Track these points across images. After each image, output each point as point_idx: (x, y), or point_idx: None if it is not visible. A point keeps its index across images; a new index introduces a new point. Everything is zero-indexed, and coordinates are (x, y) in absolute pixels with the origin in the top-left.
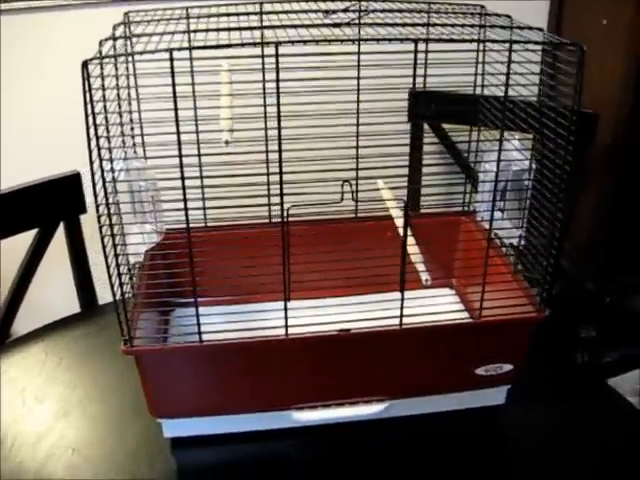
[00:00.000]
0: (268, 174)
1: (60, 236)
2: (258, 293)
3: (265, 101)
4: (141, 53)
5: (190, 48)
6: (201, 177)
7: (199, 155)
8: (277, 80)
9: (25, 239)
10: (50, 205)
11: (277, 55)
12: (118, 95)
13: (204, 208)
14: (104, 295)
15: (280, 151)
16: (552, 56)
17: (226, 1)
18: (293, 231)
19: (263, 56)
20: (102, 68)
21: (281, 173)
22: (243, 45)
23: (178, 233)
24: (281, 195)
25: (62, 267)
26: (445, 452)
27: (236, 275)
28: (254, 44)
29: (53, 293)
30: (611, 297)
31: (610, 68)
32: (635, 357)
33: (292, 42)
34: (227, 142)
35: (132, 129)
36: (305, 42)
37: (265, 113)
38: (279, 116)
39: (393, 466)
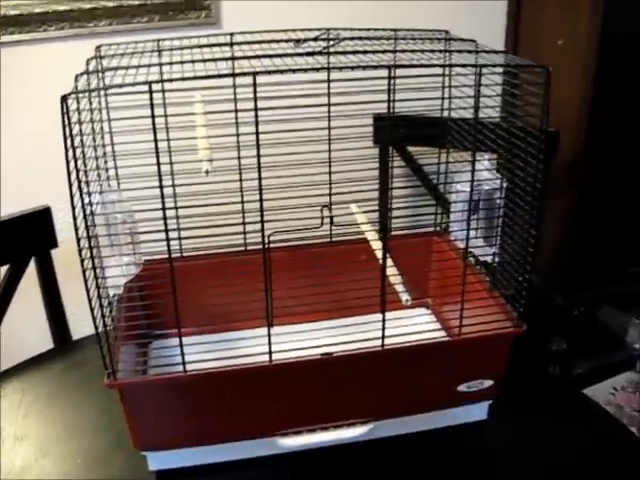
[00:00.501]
0: (243, 202)
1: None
2: (237, 321)
3: (238, 130)
4: (120, 86)
5: (170, 80)
6: (176, 207)
7: (173, 186)
8: (255, 109)
9: None
10: (21, 240)
11: (255, 85)
12: (93, 129)
13: (179, 238)
14: (78, 330)
15: (260, 179)
16: (512, 76)
17: (196, 32)
18: (272, 257)
19: (235, 86)
20: (78, 102)
21: (261, 200)
22: (220, 76)
23: (156, 264)
24: (262, 222)
25: (30, 303)
26: (432, 471)
27: (214, 304)
28: (232, 75)
29: (23, 330)
30: (579, 310)
31: (567, 86)
32: (605, 367)
33: (269, 72)
34: (207, 172)
35: (106, 162)
36: (282, 72)
37: (238, 142)
38: (257, 146)
39: None
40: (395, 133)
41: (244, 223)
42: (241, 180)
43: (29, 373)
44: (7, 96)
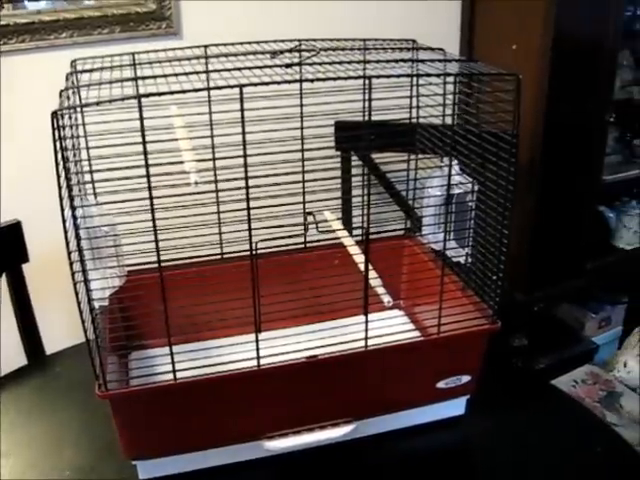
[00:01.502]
0: (219, 212)
1: None
2: (219, 329)
3: (213, 140)
4: (110, 101)
5: (159, 94)
6: (153, 219)
7: (150, 198)
8: (242, 122)
9: None
10: None
11: (242, 98)
12: (73, 145)
13: (157, 249)
14: (50, 344)
15: (247, 187)
16: (467, 85)
17: (171, 44)
18: (247, 266)
19: (210, 100)
20: (62, 119)
21: (248, 208)
22: (210, 89)
23: (134, 275)
24: (249, 229)
25: None
26: (415, 466)
27: (195, 313)
28: (221, 87)
29: None
30: (539, 306)
31: (521, 90)
32: (565, 361)
33: (255, 84)
34: (196, 183)
35: (91, 173)
36: (267, 84)
37: (213, 155)
38: (245, 164)
39: None
40: (365, 139)
41: (220, 233)
42: (217, 191)
43: (7, 389)
44: None
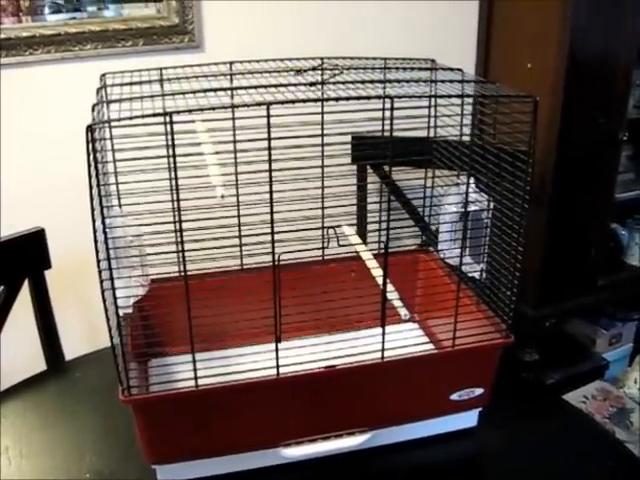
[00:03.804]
0: (239, 225)
1: None
2: (239, 338)
3: (235, 155)
4: (142, 117)
5: (189, 110)
6: (181, 230)
7: (179, 210)
8: (269, 139)
9: None
10: (15, 262)
11: (268, 114)
12: (101, 158)
13: (183, 259)
14: (69, 350)
15: (271, 201)
16: (485, 105)
17: (195, 59)
18: (266, 277)
19: (234, 117)
20: (93, 133)
21: (272, 222)
22: (237, 106)
23: (156, 284)
24: (272, 242)
25: (16, 324)
26: (428, 477)
27: (215, 322)
28: (248, 105)
29: (13, 351)
30: (550, 322)
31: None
32: (575, 377)
33: (282, 102)
34: (223, 196)
35: (117, 185)
36: (293, 102)
37: (236, 170)
38: (270, 178)
39: None
40: (383, 155)
41: (241, 245)
42: (238, 205)
43: (28, 393)
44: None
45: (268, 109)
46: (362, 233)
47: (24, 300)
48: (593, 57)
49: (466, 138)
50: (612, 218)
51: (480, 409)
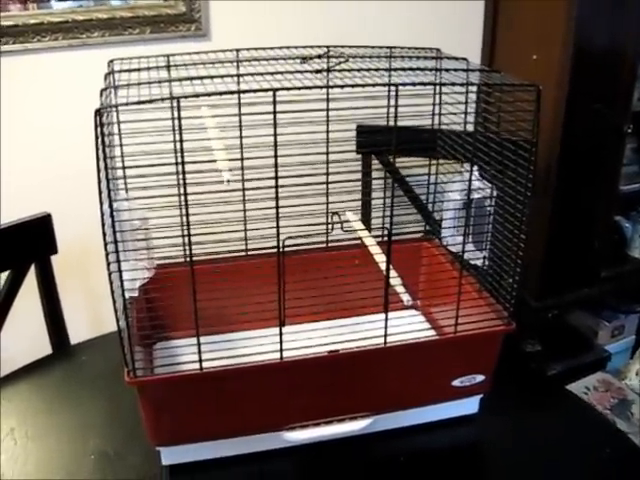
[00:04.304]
0: (245, 210)
1: None
2: (244, 322)
3: (241, 140)
4: (150, 101)
5: (196, 95)
6: (187, 215)
7: (185, 194)
8: (274, 124)
9: None
10: (21, 247)
11: (274, 101)
12: (109, 142)
13: (189, 244)
14: (74, 334)
15: (277, 187)
16: (489, 94)
17: (202, 47)
18: (271, 262)
19: (240, 103)
20: (101, 117)
21: (277, 207)
22: (244, 92)
23: (161, 269)
24: (277, 227)
25: (20, 309)
26: (429, 461)
27: (220, 306)
28: (255, 91)
29: (18, 335)
30: (553, 313)
31: (541, 98)
32: (578, 368)
33: (288, 89)
34: (229, 181)
35: (124, 169)
36: (299, 88)
37: (242, 155)
38: (276, 164)
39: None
40: (388, 144)
41: (246, 230)
42: (244, 189)
43: (33, 376)
44: (5, 105)
45: (274, 95)
46: (367, 221)
47: (30, 285)
48: (598, 49)
49: (470, 127)
50: (616, 210)
51: (481, 396)
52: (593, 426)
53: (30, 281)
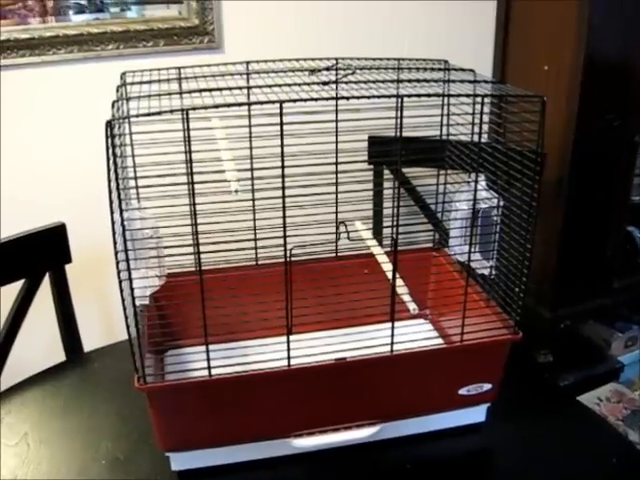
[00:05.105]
0: (255, 220)
1: None
2: (251, 331)
3: (252, 153)
4: (159, 113)
5: (205, 107)
6: (195, 224)
7: (193, 204)
8: (281, 135)
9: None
10: (36, 256)
11: (281, 113)
12: (120, 153)
13: (198, 252)
14: (89, 342)
15: (283, 197)
16: (496, 105)
17: (215, 60)
18: (280, 272)
19: (250, 115)
20: (112, 128)
21: (284, 217)
22: (252, 104)
23: (172, 278)
24: (284, 237)
25: (33, 317)
26: (435, 470)
27: (228, 314)
28: (262, 102)
29: (31, 342)
30: (565, 324)
31: (552, 110)
32: (590, 379)
33: (294, 100)
34: (237, 191)
35: (136, 179)
36: (305, 100)
37: (252, 166)
38: (283, 175)
39: None
40: (397, 155)
41: (255, 239)
42: (254, 199)
43: (48, 382)
44: (21, 116)
45: (281, 107)
46: (378, 231)
47: (45, 293)
48: (610, 59)
49: (477, 138)
50: (628, 220)
51: (488, 405)
52: (602, 437)
53: (45, 290)
